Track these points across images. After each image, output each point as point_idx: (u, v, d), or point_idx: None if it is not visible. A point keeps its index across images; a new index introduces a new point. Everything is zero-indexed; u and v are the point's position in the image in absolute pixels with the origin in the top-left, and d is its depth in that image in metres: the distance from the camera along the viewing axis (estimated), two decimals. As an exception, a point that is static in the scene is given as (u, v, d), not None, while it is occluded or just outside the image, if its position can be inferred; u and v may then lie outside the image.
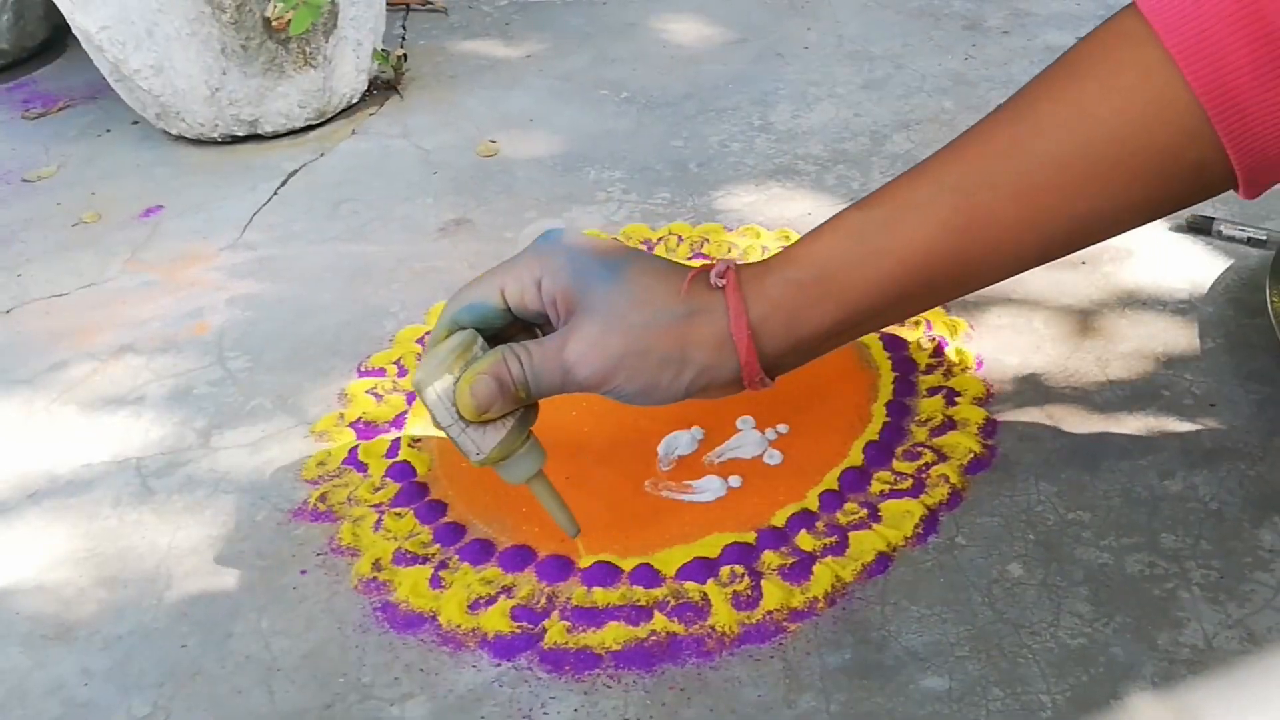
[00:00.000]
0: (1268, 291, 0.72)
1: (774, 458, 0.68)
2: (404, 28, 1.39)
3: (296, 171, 1.09)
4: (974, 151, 0.55)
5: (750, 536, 0.63)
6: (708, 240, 0.88)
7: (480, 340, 0.58)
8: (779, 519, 0.64)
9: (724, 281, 0.56)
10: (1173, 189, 0.53)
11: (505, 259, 0.59)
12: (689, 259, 0.87)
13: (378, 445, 0.73)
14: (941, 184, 0.54)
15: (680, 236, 0.89)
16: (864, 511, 0.64)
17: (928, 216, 0.54)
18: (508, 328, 0.60)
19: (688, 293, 0.56)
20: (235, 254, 0.97)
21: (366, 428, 0.74)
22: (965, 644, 0.56)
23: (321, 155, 1.12)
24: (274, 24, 1.09)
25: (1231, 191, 0.54)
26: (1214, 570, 0.59)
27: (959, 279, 0.56)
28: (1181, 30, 0.50)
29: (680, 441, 0.70)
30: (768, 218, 0.92)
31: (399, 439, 0.73)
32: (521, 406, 0.58)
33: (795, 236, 0.88)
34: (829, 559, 0.61)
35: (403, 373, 0.79)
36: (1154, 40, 0.50)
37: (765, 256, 0.60)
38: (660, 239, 0.90)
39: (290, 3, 1.07)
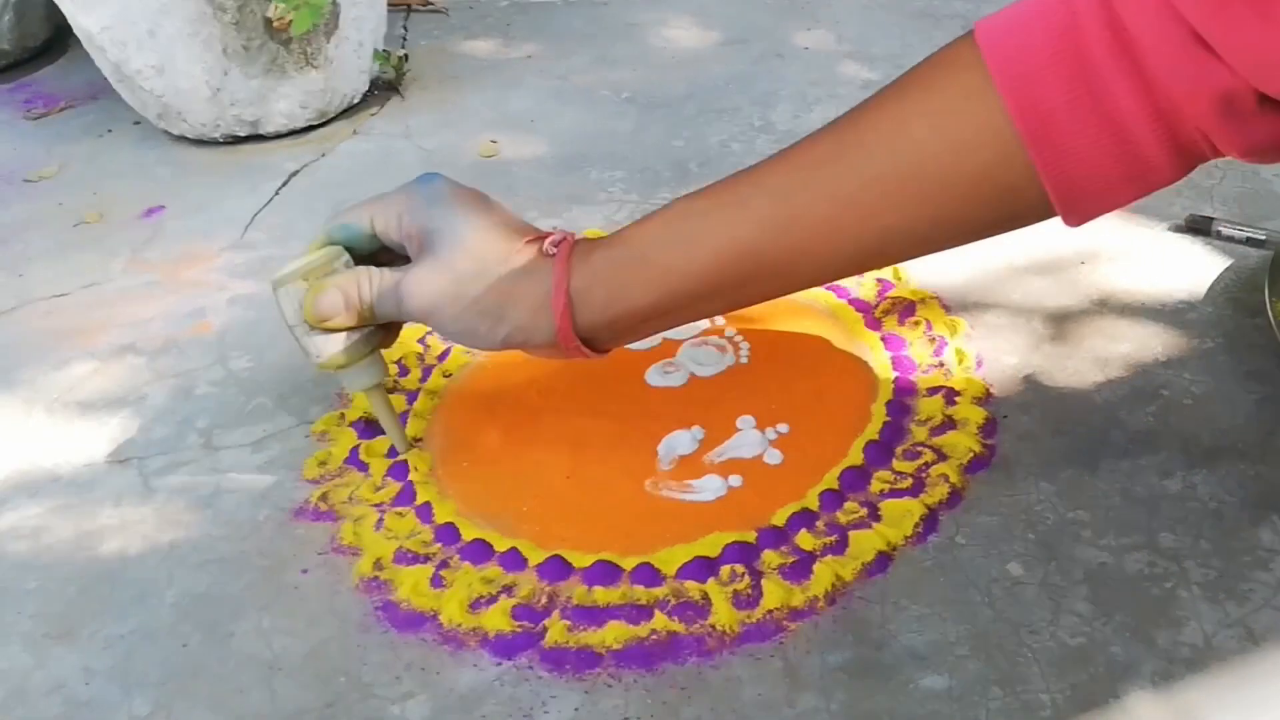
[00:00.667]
0: (1266, 295, 0.72)
1: (774, 457, 0.69)
2: (405, 28, 1.39)
3: (298, 172, 1.10)
4: (797, 159, 0.57)
5: (750, 536, 0.63)
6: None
7: (346, 257, 0.65)
8: (779, 518, 0.64)
9: (555, 250, 0.60)
10: (987, 211, 0.55)
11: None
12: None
13: (379, 444, 0.73)
14: (761, 185, 0.57)
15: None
16: (864, 511, 0.64)
17: (745, 214, 0.57)
18: (379, 253, 0.66)
19: (520, 253, 0.61)
20: (237, 254, 0.97)
21: (367, 427, 0.75)
22: (965, 643, 0.56)
23: (323, 156, 1.12)
24: (275, 24, 1.09)
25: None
26: (1213, 569, 0.59)
27: (772, 277, 0.59)
28: (1006, 57, 0.51)
29: (680, 441, 0.70)
30: (768, 218, 0.92)
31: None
32: (368, 325, 0.64)
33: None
34: (829, 558, 0.61)
35: (403, 372, 0.79)
36: (981, 66, 0.52)
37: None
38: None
39: (292, 3, 1.07)
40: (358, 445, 0.73)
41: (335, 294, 0.64)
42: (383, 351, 0.69)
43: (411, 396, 0.77)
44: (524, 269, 0.61)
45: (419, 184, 0.64)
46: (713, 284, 0.59)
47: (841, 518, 0.64)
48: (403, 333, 0.82)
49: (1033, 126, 0.51)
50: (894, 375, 0.74)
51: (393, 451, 0.72)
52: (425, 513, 0.67)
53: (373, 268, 0.64)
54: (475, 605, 0.61)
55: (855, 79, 1.14)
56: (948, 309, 0.79)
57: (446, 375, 0.79)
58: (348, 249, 0.66)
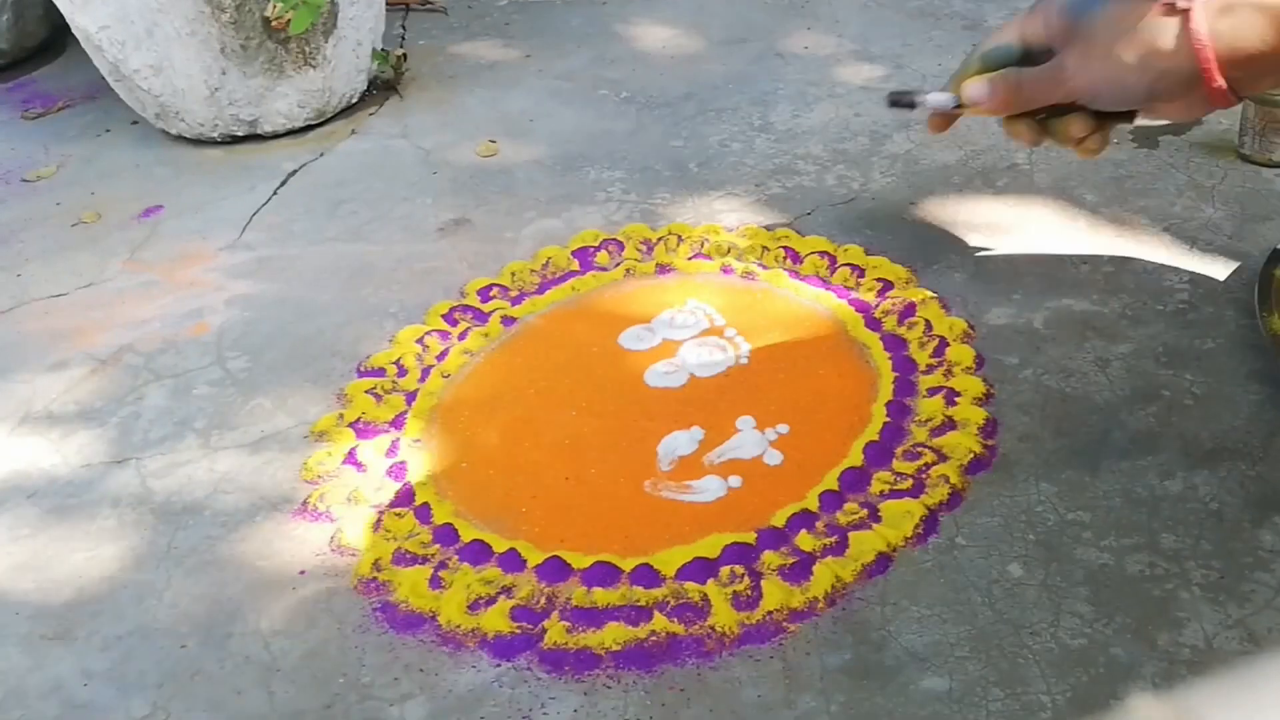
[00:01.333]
0: (1257, 310, 0.72)
1: (774, 458, 0.68)
2: (404, 28, 1.39)
3: (296, 171, 1.09)
4: None
5: (750, 537, 0.63)
6: (707, 240, 0.88)
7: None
8: (779, 519, 0.64)
9: (1189, 3, 0.62)
10: None
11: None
12: (689, 259, 0.87)
13: (377, 445, 0.73)
14: None
15: (680, 236, 0.89)
16: (864, 512, 0.64)
17: None
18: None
19: (1155, 10, 0.63)
20: (234, 254, 0.97)
21: (366, 428, 0.74)
22: (965, 644, 0.56)
23: (321, 155, 1.12)
24: (274, 24, 1.08)
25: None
26: (1214, 570, 0.59)
27: None
28: None
29: (680, 442, 0.70)
30: (768, 218, 0.92)
31: (398, 439, 0.73)
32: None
33: (795, 237, 0.88)
34: (829, 559, 0.61)
35: (402, 373, 0.79)
36: None
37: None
38: (660, 239, 0.90)
39: (290, 3, 1.07)
40: (356, 446, 0.73)
41: (983, 84, 0.69)
42: None
43: (410, 397, 0.77)
44: (1159, 22, 0.63)
45: (1048, 3, 0.67)
46: None
47: (841, 518, 0.64)
48: (402, 333, 0.83)
49: None
50: (894, 376, 0.73)
51: (392, 452, 0.72)
52: (424, 514, 0.67)
53: (1021, 68, 0.68)
54: (474, 606, 0.61)
55: (854, 78, 1.14)
56: (948, 310, 0.79)
57: (445, 376, 0.78)
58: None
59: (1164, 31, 0.64)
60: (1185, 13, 0.64)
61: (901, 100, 0.72)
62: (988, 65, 0.70)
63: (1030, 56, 0.69)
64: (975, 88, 0.70)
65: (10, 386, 0.83)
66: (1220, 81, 0.63)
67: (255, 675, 0.59)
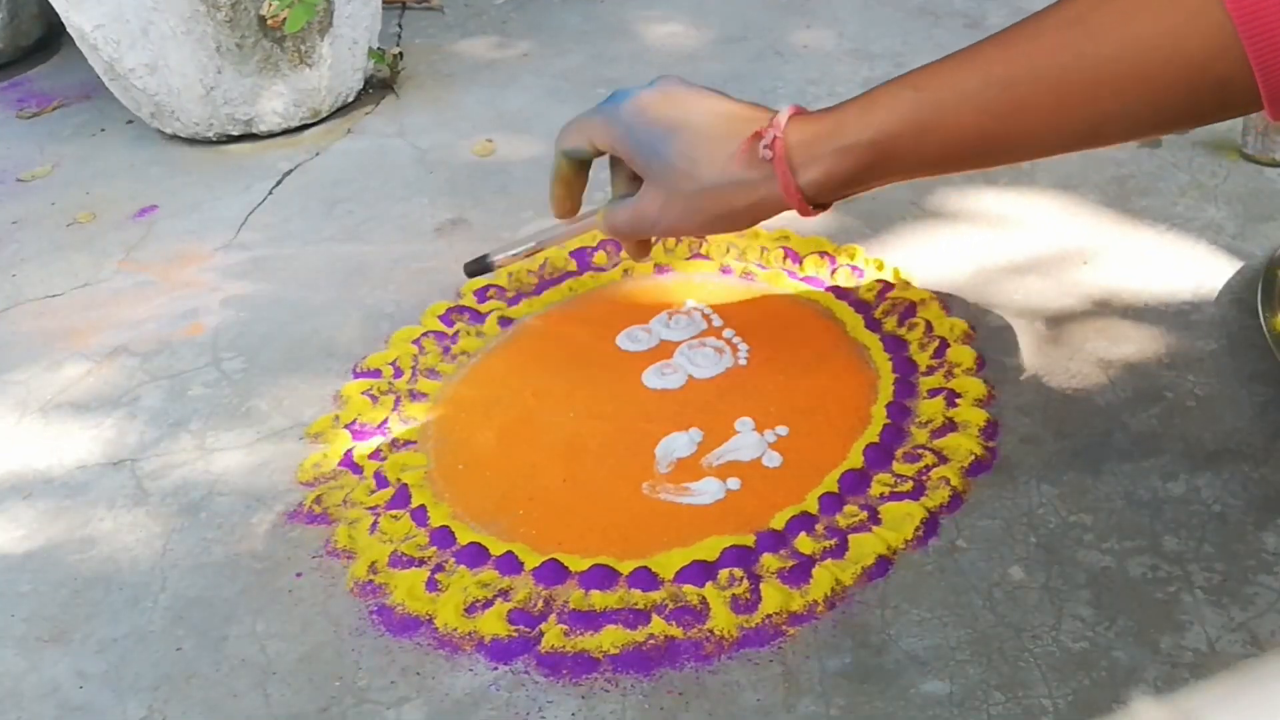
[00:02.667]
0: (1260, 311, 0.72)
1: (773, 460, 0.68)
2: (400, 26, 1.39)
3: (291, 171, 1.09)
4: (1022, 49, 0.59)
5: (749, 539, 0.63)
6: (705, 240, 0.88)
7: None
8: (778, 522, 0.64)
9: (771, 154, 0.63)
10: (1199, 101, 0.56)
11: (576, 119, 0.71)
12: (687, 259, 0.87)
13: (373, 447, 0.72)
14: (989, 76, 0.59)
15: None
16: (864, 514, 0.63)
17: (975, 105, 0.59)
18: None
19: (739, 163, 0.64)
20: (230, 254, 0.97)
21: (362, 429, 0.74)
22: (966, 648, 0.56)
23: (317, 155, 1.12)
24: (269, 22, 1.08)
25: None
26: (1217, 573, 0.58)
27: (993, 157, 0.62)
28: None
29: (678, 443, 0.70)
30: (766, 218, 0.92)
31: (394, 440, 0.73)
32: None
33: (795, 237, 0.87)
34: (828, 562, 0.61)
35: (398, 374, 0.78)
36: None
37: (821, 114, 0.64)
38: (659, 239, 0.89)
39: (285, 1, 1.07)
40: (352, 448, 0.73)
41: (600, 223, 0.72)
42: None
43: (407, 398, 0.76)
44: (745, 178, 0.64)
45: (610, 111, 0.68)
46: (937, 166, 0.62)
47: (841, 521, 0.63)
48: (398, 334, 0.82)
49: (1246, 14, 0.52)
50: (894, 377, 0.73)
51: (377, 455, 0.72)
52: (420, 516, 0.67)
53: (607, 208, 0.71)
54: (471, 609, 0.61)
55: (854, 77, 1.13)
56: (948, 310, 0.78)
57: (442, 377, 0.78)
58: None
59: (753, 179, 0.64)
60: (772, 161, 0.63)
61: (475, 267, 0.76)
62: (570, 160, 0.72)
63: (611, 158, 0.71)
64: (599, 223, 0.72)
65: (5, 387, 0.83)
66: (809, 210, 0.64)
67: (251, 678, 0.59)
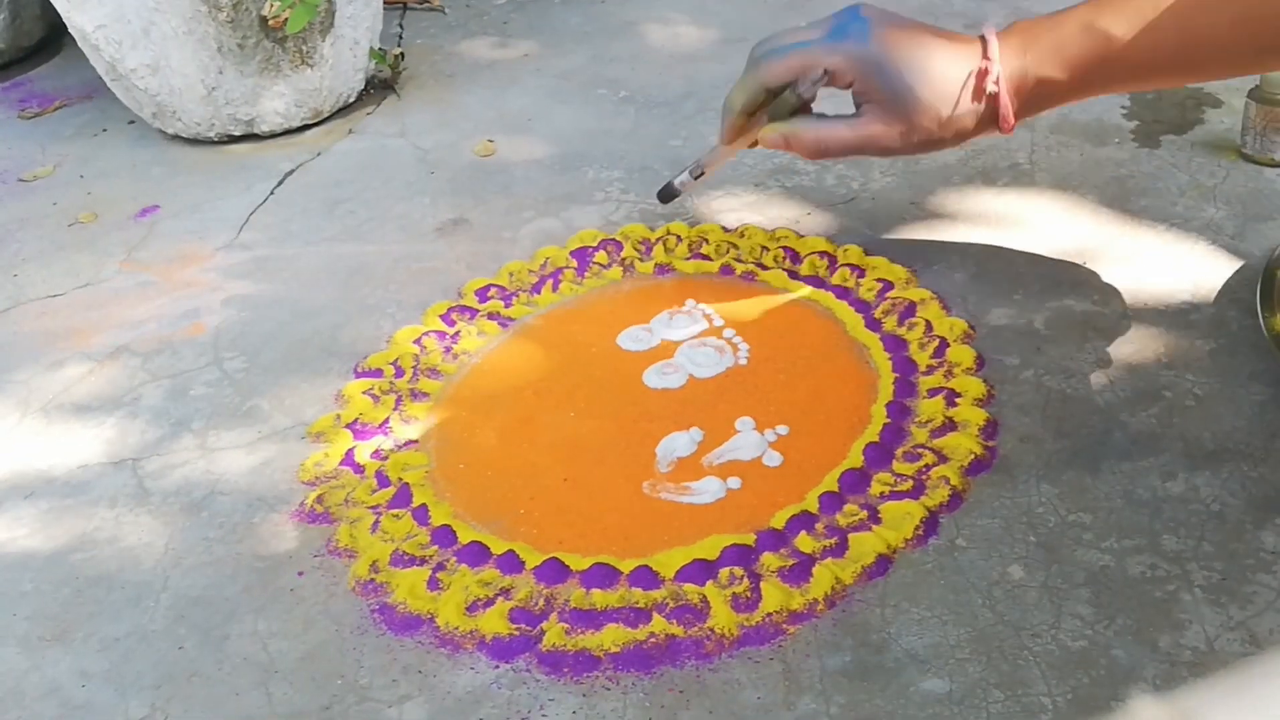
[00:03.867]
0: (1259, 311, 0.72)
1: (773, 459, 0.68)
2: (401, 26, 1.39)
3: (293, 171, 1.09)
4: None
5: (749, 538, 0.63)
6: (705, 240, 0.88)
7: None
8: (778, 521, 0.64)
9: (997, 88, 0.70)
10: None
11: (791, 38, 0.76)
12: (687, 259, 0.87)
13: (375, 446, 0.73)
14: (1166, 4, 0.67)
15: (679, 236, 0.89)
16: (864, 513, 0.64)
17: (1156, 37, 0.67)
18: None
19: (971, 98, 0.71)
20: (231, 254, 0.97)
21: (363, 429, 0.74)
22: (966, 646, 0.56)
23: (318, 155, 1.12)
24: (271, 23, 1.08)
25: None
26: (1216, 572, 0.58)
27: (1165, 83, 0.75)
28: None
29: (679, 443, 0.70)
30: (767, 217, 0.92)
31: (396, 440, 0.73)
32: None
33: (794, 237, 0.88)
34: (829, 561, 0.61)
35: (399, 373, 0.79)
36: None
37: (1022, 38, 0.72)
38: (659, 239, 0.89)
39: (287, 1, 1.07)
40: (353, 447, 0.73)
41: (778, 140, 0.76)
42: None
43: (409, 397, 0.76)
44: (972, 111, 0.71)
45: (858, 45, 0.72)
46: (1117, 91, 0.75)
47: (841, 520, 0.63)
48: (399, 333, 0.82)
49: None
50: (894, 377, 0.73)
51: (378, 455, 0.72)
52: (422, 515, 0.67)
53: (820, 124, 0.75)
54: (472, 608, 0.61)
55: (854, 78, 1.13)
56: (948, 310, 0.79)
57: (444, 377, 0.78)
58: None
59: (976, 111, 0.71)
60: (984, 71, 0.70)
61: (669, 193, 0.82)
62: (766, 91, 0.75)
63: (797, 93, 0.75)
64: (775, 138, 0.76)
65: (6, 387, 0.83)
66: (1013, 123, 0.72)
67: (253, 676, 0.59)
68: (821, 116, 0.75)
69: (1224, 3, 0.66)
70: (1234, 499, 0.62)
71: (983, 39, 0.71)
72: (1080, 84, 0.70)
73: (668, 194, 0.82)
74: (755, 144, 0.78)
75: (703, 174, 0.80)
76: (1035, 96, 0.71)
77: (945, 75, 0.71)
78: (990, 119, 0.72)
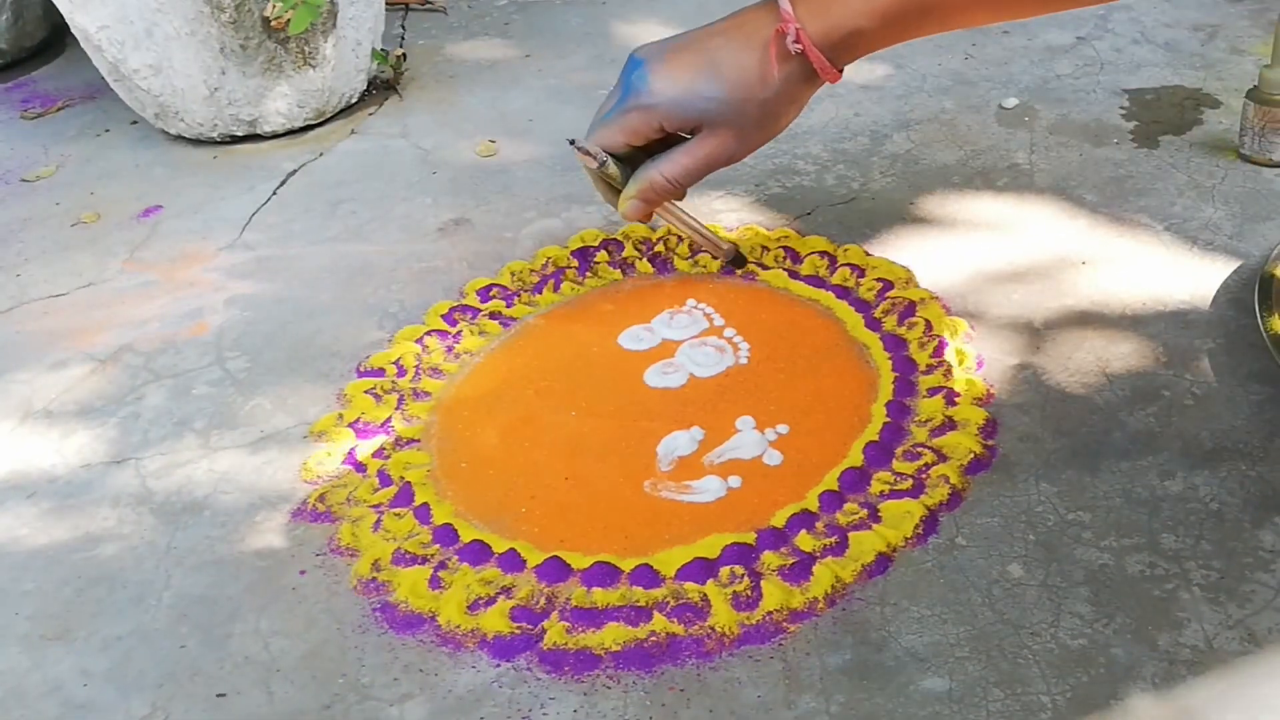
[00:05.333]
0: (1257, 310, 0.72)
1: (774, 458, 0.68)
2: (403, 27, 1.39)
3: (295, 171, 1.09)
4: None
5: (750, 537, 0.63)
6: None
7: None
8: (779, 519, 0.64)
9: (800, 46, 0.69)
10: None
11: (604, 107, 0.75)
12: (689, 258, 0.87)
13: (377, 445, 0.73)
14: None
15: (679, 236, 0.89)
16: (864, 512, 0.64)
17: None
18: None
19: (778, 65, 0.70)
20: (234, 254, 0.97)
21: (365, 428, 0.74)
22: (965, 645, 0.56)
23: (320, 155, 1.12)
24: (273, 24, 1.08)
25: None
26: (1214, 571, 0.59)
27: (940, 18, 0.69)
28: None
29: (680, 442, 0.70)
30: (768, 218, 0.92)
31: (398, 439, 0.73)
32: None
33: (794, 236, 0.88)
34: (829, 559, 0.61)
35: (402, 373, 0.79)
36: None
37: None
38: (660, 239, 0.90)
39: (289, 2, 1.07)
40: (355, 446, 0.73)
41: (637, 205, 0.75)
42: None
43: (410, 397, 0.76)
44: (789, 76, 0.71)
45: (640, 100, 0.72)
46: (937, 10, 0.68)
47: (841, 519, 0.64)
48: (401, 333, 0.83)
49: None
50: (894, 376, 0.73)
51: (380, 454, 0.72)
52: (423, 514, 0.67)
53: (656, 164, 0.74)
54: (473, 607, 0.61)
55: (854, 78, 1.13)
56: (948, 310, 0.79)
57: (445, 376, 0.78)
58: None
59: (795, 85, 0.71)
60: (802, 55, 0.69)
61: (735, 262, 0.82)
62: (615, 176, 0.75)
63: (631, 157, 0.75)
64: (634, 208, 0.76)
65: (9, 387, 0.83)
66: (836, 72, 0.71)
67: (255, 675, 0.59)
68: (655, 157, 0.75)
69: None
70: (1232, 498, 0.62)
71: (774, 2, 0.70)
72: (892, 29, 0.69)
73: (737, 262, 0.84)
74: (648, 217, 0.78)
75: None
76: (847, 46, 0.70)
77: (739, 65, 0.70)
78: (811, 75, 0.71)
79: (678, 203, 0.78)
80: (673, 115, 0.72)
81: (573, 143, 0.75)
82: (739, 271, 0.84)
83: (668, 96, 0.71)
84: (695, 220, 0.81)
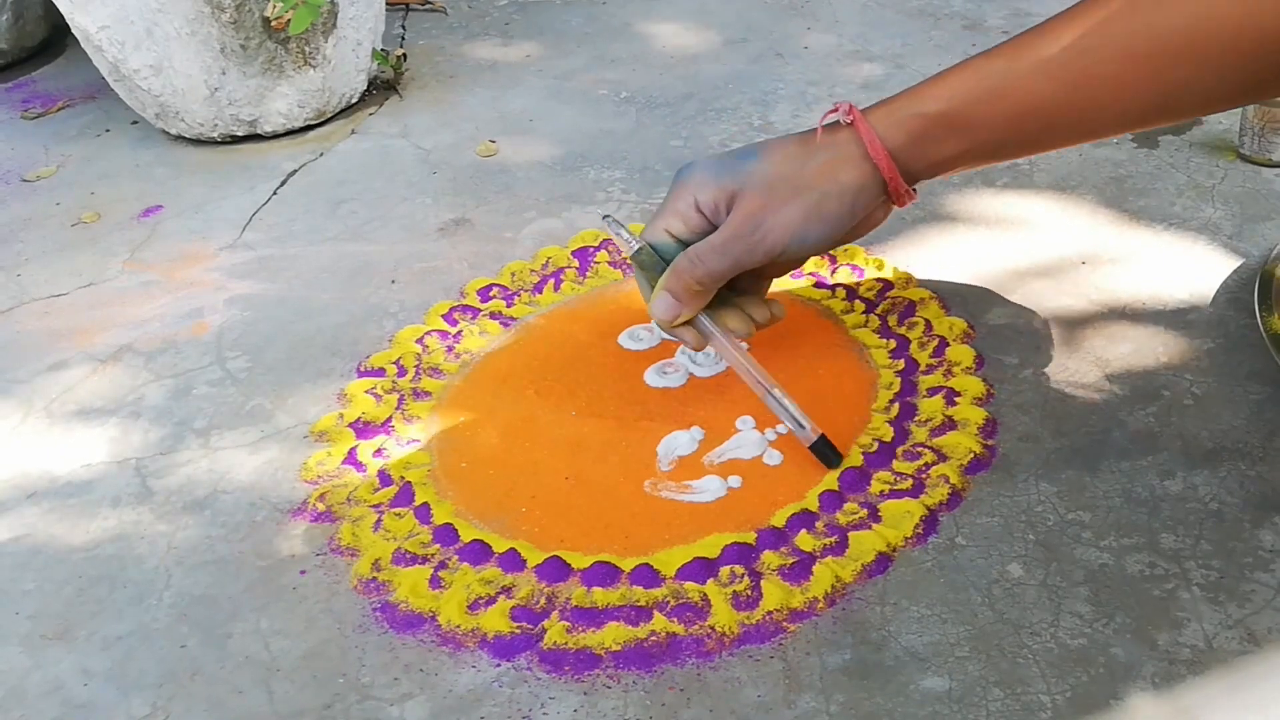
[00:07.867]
0: (1257, 310, 0.72)
1: (774, 458, 0.68)
2: (403, 27, 1.39)
3: (296, 171, 1.09)
4: (1095, 19, 0.60)
5: (750, 537, 0.63)
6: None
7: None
8: (779, 519, 0.64)
9: (850, 118, 0.65)
10: (1270, 69, 0.58)
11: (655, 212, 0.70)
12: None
13: (377, 445, 0.73)
14: (1061, 43, 0.61)
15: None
16: (864, 512, 0.64)
17: (1048, 71, 0.62)
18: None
19: (822, 139, 0.66)
20: (234, 254, 0.97)
21: (366, 428, 0.74)
22: (965, 644, 0.56)
23: (321, 155, 1.12)
24: (273, 24, 1.09)
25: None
26: (1214, 570, 0.59)
27: (1066, 128, 0.65)
28: None
29: (680, 442, 0.70)
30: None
31: (398, 439, 0.73)
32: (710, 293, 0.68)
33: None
34: (829, 559, 0.61)
35: (402, 373, 0.79)
36: None
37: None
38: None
39: (289, 2, 1.07)
40: (356, 446, 0.73)
41: (664, 295, 0.67)
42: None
43: (410, 396, 0.77)
44: (834, 146, 0.66)
45: (684, 174, 0.68)
46: (1015, 136, 0.65)
47: (841, 519, 0.64)
48: (401, 333, 0.83)
49: None
50: (898, 384, 0.73)
51: (380, 454, 0.72)
52: (424, 513, 0.67)
53: (688, 249, 0.67)
54: (474, 606, 0.61)
55: (855, 78, 1.14)
56: (948, 309, 0.79)
57: (446, 376, 0.78)
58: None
59: (839, 147, 0.65)
60: (851, 125, 0.65)
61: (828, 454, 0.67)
62: (648, 264, 0.68)
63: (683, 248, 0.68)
64: (661, 303, 0.67)
65: (10, 387, 0.83)
66: (907, 187, 0.66)
67: (255, 675, 0.59)
68: (686, 244, 0.68)
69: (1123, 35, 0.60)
70: (1232, 497, 0.62)
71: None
72: (962, 119, 0.64)
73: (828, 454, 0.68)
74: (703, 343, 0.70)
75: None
76: (914, 131, 0.65)
77: (787, 141, 0.67)
78: (875, 182, 0.66)
79: (777, 387, 0.67)
80: (705, 183, 0.67)
81: (605, 217, 0.71)
82: (830, 470, 0.67)
83: (705, 167, 0.67)
84: (767, 379, 0.68)
